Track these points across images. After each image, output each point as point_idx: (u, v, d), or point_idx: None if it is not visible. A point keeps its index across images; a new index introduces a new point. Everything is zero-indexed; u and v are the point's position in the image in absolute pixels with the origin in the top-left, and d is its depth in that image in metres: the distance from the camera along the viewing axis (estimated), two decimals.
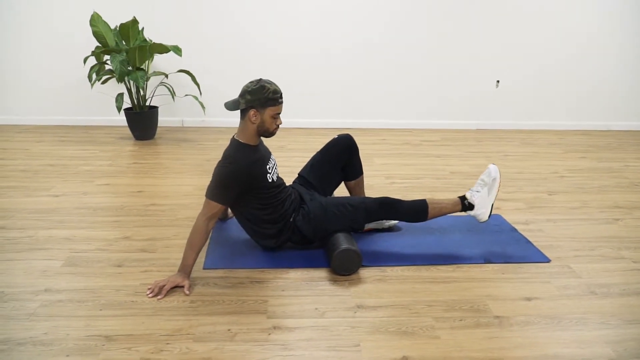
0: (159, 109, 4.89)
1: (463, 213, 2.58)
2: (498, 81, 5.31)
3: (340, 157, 2.74)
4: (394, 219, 2.56)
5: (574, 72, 5.37)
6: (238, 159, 2.26)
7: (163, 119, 5.11)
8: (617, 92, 5.49)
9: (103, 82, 4.55)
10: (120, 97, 4.26)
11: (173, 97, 4.59)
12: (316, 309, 2.06)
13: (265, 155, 2.41)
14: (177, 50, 4.27)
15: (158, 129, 4.88)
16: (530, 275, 2.37)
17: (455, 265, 2.44)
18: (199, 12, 4.92)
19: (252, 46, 5.05)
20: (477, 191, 2.55)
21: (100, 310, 2.01)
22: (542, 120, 5.51)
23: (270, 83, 2.23)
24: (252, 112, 2.23)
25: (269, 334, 1.89)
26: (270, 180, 2.37)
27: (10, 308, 2.01)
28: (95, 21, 4.20)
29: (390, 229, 2.80)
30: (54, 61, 4.98)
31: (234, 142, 2.33)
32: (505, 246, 2.65)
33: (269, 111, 2.25)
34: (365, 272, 2.35)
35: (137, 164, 3.95)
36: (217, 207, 2.23)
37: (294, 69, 5.03)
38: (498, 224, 2.93)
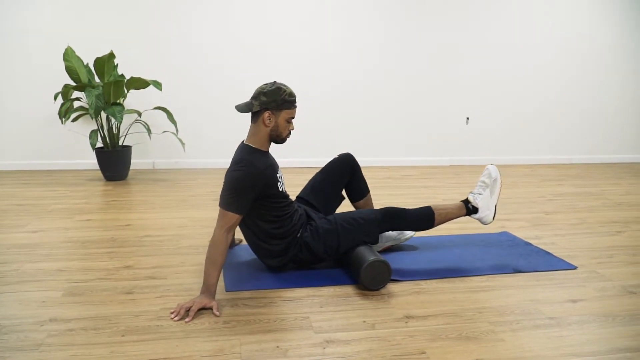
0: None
1: (467, 217, 2.60)
2: (468, 118, 5.49)
3: (342, 176, 2.64)
4: (402, 229, 2.48)
5: (538, 111, 5.67)
6: (252, 161, 2.12)
7: (133, 161, 4.85)
8: (577, 128, 5.82)
9: (74, 120, 4.28)
10: (94, 133, 4.01)
11: (149, 134, 4.37)
12: (364, 321, 1.90)
13: (275, 164, 2.30)
14: (157, 84, 4.11)
15: (129, 171, 4.61)
16: (563, 280, 2.32)
17: (487, 276, 2.36)
18: (174, 49, 4.81)
19: (230, 84, 4.97)
20: (479, 193, 2.54)
21: (123, 336, 1.76)
22: (510, 155, 5.71)
23: (286, 86, 2.18)
24: (266, 114, 2.15)
25: (324, 348, 1.70)
26: (280, 190, 2.25)
27: (14, 339, 1.71)
28: (69, 56, 4.00)
29: (401, 244, 2.73)
30: (12, 102, 4.67)
31: (244, 147, 2.21)
32: (528, 257, 2.61)
33: (284, 114, 2.18)
34: (399, 287, 2.22)
35: (116, 201, 3.67)
36: (234, 217, 2.07)
37: None
38: (510, 239, 2.91)
